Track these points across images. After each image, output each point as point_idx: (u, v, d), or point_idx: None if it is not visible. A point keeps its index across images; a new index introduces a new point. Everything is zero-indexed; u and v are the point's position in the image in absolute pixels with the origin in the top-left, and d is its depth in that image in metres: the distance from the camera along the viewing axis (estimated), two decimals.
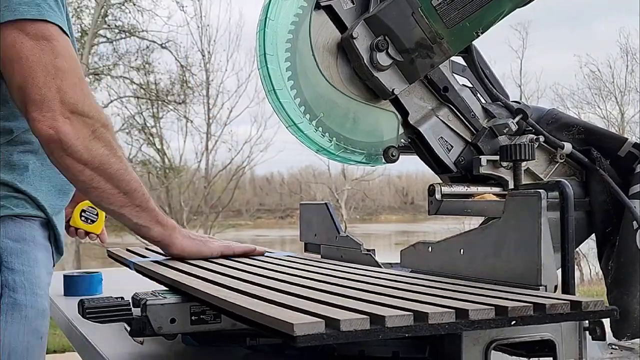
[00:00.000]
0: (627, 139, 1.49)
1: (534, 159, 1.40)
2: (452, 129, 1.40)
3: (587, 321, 1.13)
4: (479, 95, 1.49)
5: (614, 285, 1.36)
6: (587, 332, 1.13)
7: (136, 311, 1.13)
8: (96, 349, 1.34)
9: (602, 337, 1.16)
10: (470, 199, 1.40)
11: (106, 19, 16.34)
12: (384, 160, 1.36)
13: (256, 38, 1.29)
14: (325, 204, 1.72)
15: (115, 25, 16.56)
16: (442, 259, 1.32)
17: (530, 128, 1.47)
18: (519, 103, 1.55)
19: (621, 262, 1.36)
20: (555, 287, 1.13)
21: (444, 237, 1.36)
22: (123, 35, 16.49)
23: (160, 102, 16.81)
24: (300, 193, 21.72)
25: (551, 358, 1.09)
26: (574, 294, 1.16)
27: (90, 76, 17.22)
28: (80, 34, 15.93)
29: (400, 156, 1.42)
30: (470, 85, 1.47)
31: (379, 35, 1.25)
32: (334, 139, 1.35)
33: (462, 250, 1.27)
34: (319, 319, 0.83)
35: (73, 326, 1.56)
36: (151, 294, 1.17)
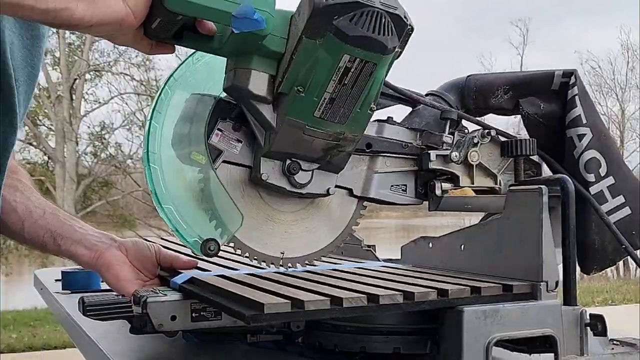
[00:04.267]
0: (554, 71, 1.46)
1: (536, 154, 1.38)
2: (395, 172, 1.37)
3: (588, 317, 1.13)
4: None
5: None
6: (588, 328, 1.13)
7: (137, 308, 1.13)
8: (97, 345, 1.34)
9: (604, 333, 1.16)
10: (470, 196, 1.39)
11: None
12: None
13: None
14: None
15: None
16: (442, 255, 1.32)
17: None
18: (434, 94, 1.52)
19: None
20: (557, 282, 1.13)
21: (445, 232, 1.36)
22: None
23: None
24: None
25: (552, 354, 1.09)
26: (575, 290, 1.16)
27: (91, 73, 17.24)
28: None
29: None
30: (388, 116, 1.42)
31: (285, 160, 1.24)
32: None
33: (462, 246, 1.27)
34: (286, 300, 0.98)
35: (74, 322, 1.56)
36: (151, 291, 1.17)
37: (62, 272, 2.08)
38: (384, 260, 1.54)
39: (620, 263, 18.25)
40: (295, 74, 1.14)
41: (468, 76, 1.55)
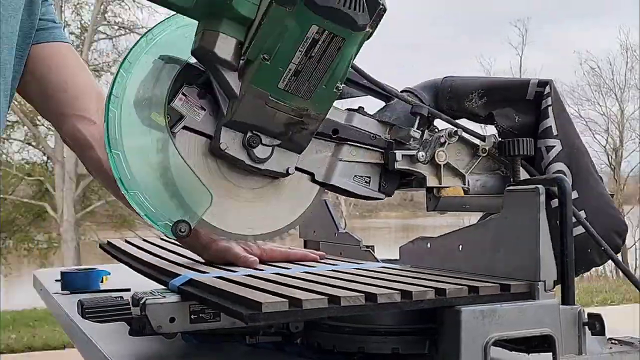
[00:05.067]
0: (529, 80, 1.43)
1: (532, 154, 1.37)
2: (360, 162, 1.35)
3: (586, 316, 1.14)
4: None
5: None
6: (586, 327, 1.13)
7: (135, 310, 1.13)
8: (96, 345, 1.34)
9: (602, 332, 1.16)
10: (468, 195, 1.39)
11: (106, 15, 16.36)
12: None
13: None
14: (324, 200, 1.72)
15: (115, 22, 16.58)
16: (440, 255, 1.32)
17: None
18: (409, 91, 1.49)
19: None
20: (555, 282, 1.13)
21: (443, 232, 1.36)
22: (123, 32, 16.51)
23: None
24: None
25: (551, 353, 1.09)
26: (574, 289, 1.16)
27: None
28: (80, 31, 15.93)
29: None
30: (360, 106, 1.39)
31: (246, 132, 1.22)
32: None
33: (460, 246, 1.27)
34: (284, 299, 0.99)
35: (73, 323, 1.56)
36: (150, 292, 1.17)
37: (62, 273, 2.08)
38: (383, 261, 1.55)
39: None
40: (262, 41, 1.13)
41: (444, 77, 1.53)
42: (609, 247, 1.33)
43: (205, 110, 1.23)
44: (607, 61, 21.20)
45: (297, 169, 1.29)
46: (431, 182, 1.35)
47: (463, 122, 1.45)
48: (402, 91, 1.49)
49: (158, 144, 1.22)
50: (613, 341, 1.21)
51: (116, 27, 16.49)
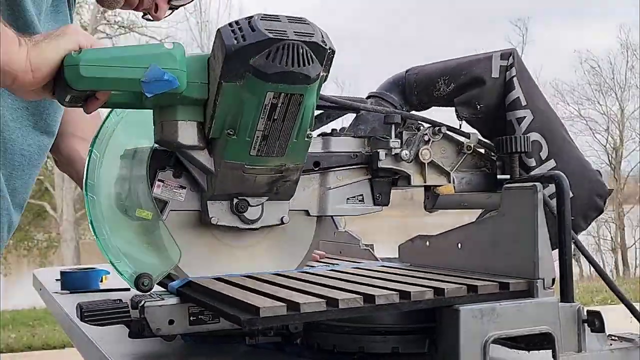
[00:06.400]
0: (492, 54, 1.41)
1: (530, 150, 1.37)
2: (349, 184, 1.35)
3: (586, 313, 1.13)
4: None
5: None
6: (585, 324, 1.13)
7: (134, 313, 1.13)
8: (96, 345, 1.34)
9: (601, 329, 1.16)
10: (467, 193, 1.39)
11: (105, 14, 16.32)
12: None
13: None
14: None
15: (115, 21, 16.54)
16: (440, 253, 1.32)
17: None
18: (375, 96, 1.48)
19: None
20: (553, 280, 1.13)
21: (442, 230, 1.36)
22: (122, 31, 16.47)
23: None
24: None
25: (551, 351, 1.09)
26: (572, 286, 1.16)
27: None
28: None
29: None
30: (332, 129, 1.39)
31: (232, 199, 1.23)
32: None
33: (459, 244, 1.27)
34: (282, 303, 0.98)
35: (72, 322, 1.56)
36: (149, 295, 1.17)
37: (61, 272, 2.09)
38: (382, 260, 1.55)
39: (620, 262, 18.26)
40: (222, 119, 1.13)
41: (407, 71, 1.51)
42: (592, 209, 1.35)
43: (185, 188, 1.24)
44: (608, 60, 21.14)
45: (291, 210, 1.30)
46: (416, 180, 1.35)
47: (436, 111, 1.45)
48: (367, 97, 1.48)
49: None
50: (613, 338, 1.20)
51: (116, 27, 16.46)
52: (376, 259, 1.56)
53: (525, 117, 1.37)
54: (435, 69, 1.47)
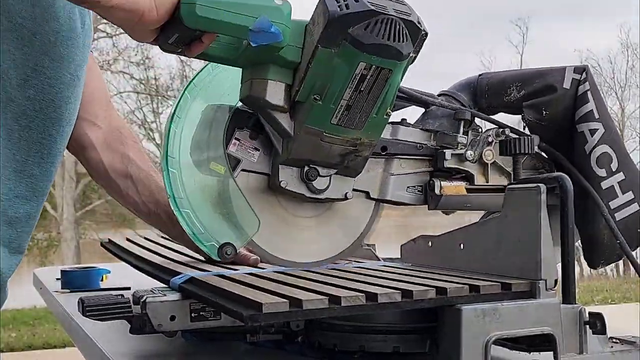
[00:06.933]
0: (565, 67, 1.45)
1: (534, 152, 1.39)
2: (411, 173, 1.39)
3: (587, 315, 1.13)
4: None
5: (580, 219, 1.35)
6: (587, 326, 1.13)
7: (136, 308, 1.13)
8: (96, 344, 1.34)
9: (603, 331, 1.16)
10: (472, 194, 1.39)
11: None
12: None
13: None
14: None
15: None
16: (442, 253, 1.32)
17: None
18: (447, 94, 1.51)
19: (581, 196, 1.36)
20: (556, 281, 1.13)
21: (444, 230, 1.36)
22: (123, 31, 16.49)
23: (160, 98, 16.82)
24: None
25: (552, 352, 1.09)
26: (575, 288, 1.16)
27: None
28: None
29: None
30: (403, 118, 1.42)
31: (303, 167, 1.26)
32: None
33: (462, 245, 1.27)
34: (284, 299, 0.98)
35: (73, 321, 1.56)
36: (150, 291, 1.17)
37: (62, 271, 2.09)
38: (384, 260, 1.54)
39: (620, 262, 18.31)
40: (312, 83, 1.16)
41: (480, 75, 1.55)
42: None
43: (259, 150, 1.28)
44: (608, 60, 21.19)
45: (353, 190, 1.33)
46: (479, 180, 1.40)
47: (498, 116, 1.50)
48: (439, 94, 1.53)
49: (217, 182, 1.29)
50: (614, 340, 1.20)
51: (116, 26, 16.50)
52: (378, 259, 1.56)
53: (597, 129, 1.41)
54: (509, 75, 1.52)
